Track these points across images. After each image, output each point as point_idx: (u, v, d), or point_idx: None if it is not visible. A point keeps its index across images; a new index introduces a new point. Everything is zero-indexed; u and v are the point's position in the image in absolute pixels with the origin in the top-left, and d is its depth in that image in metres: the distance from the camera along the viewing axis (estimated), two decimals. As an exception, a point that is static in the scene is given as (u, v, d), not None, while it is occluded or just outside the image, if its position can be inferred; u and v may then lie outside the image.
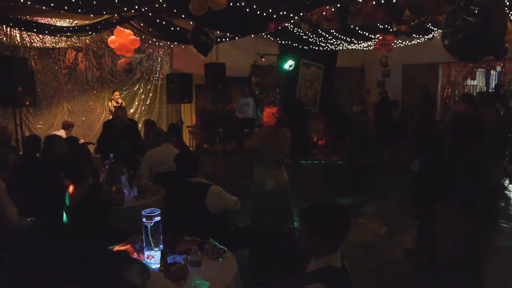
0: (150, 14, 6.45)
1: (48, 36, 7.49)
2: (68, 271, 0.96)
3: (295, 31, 8.13)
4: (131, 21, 7.04)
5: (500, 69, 10.19)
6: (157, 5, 5.49)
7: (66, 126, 6.98)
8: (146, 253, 2.44)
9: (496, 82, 10.86)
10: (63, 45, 7.81)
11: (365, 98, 9.26)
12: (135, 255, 2.53)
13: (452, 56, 3.49)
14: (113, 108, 8.26)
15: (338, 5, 6.29)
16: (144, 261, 2.42)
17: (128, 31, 7.44)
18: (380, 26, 7.76)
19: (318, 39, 9.08)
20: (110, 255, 1.17)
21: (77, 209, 3.07)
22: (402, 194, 6.39)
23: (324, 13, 6.74)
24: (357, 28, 7.65)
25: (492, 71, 10.77)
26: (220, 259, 2.48)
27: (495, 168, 5.98)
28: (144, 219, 2.40)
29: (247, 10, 5.46)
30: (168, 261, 2.32)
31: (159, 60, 9.40)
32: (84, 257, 1.01)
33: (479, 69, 10.93)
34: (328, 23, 6.96)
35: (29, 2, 5.18)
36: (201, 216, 3.00)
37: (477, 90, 10.72)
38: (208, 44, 5.81)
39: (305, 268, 1.89)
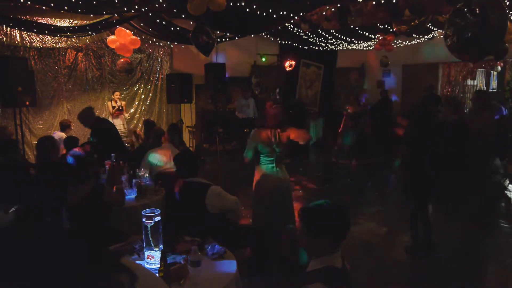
0: (150, 14, 6.45)
1: (48, 36, 7.48)
2: (59, 271, 0.96)
3: (295, 31, 8.13)
4: (131, 21, 7.04)
5: (501, 69, 10.17)
6: (157, 5, 5.49)
7: (64, 127, 6.95)
8: (146, 253, 2.44)
9: (496, 82, 10.86)
10: (63, 45, 7.80)
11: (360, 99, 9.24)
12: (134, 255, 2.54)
13: (454, 56, 3.50)
14: (111, 109, 8.23)
15: (338, 5, 6.29)
16: (142, 262, 2.43)
17: (128, 31, 7.44)
18: (380, 26, 7.77)
19: (318, 39, 9.08)
20: (102, 258, 1.17)
21: (78, 210, 3.07)
22: (401, 193, 6.39)
23: (324, 13, 6.75)
24: (357, 28, 7.65)
25: (492, 71, 10.76)
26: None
27: (494, 168, 6.00)
28: (144, 219, 2.40)
29: (247, 10, 5.46)
30: (168, 261, 2.32)
31: (159, 60, 9.39)
32: (77, 258, 1.01)
33: (479, 69, 10.92)
34: (328, 23, 6.96)
35: (29, 2, 5.18)
36: (201, 216, 3.00)
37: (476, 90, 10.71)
38: (210, 44, 5.81)
39: (305, 268, 1.89)
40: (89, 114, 5.45)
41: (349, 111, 8.51)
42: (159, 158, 4.54)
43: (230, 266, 2.43)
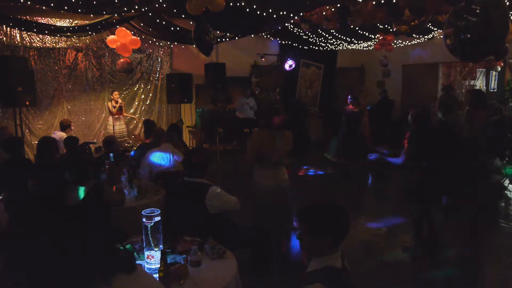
0: (150, 14, 6.45)
1: (48, 36, 7.47)
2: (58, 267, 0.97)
3: (295, 31, 8.13)
4: (131, 21, 7.04)
5: (500, 69, 10.17)
6: (157, 5, 5.49)
7: (64, 126, 6.95)
8: (146, 253, 2.44)
9: (496, 82, 10.86)
10: (63, 45, 7.80)
11: (359, 98, 9.24)
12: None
13: (454, 56, 3.49)
14: (112, 109, 8.23)
15: (338, 5, 6.28)
16: (142, 262, 2.42)
17: (128, 31, 7.43)
18: (380, 26, 7.77)
19: (318, 39, 9.08)
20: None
21: (78, 210, 3.06)
22: (402, 194, 6.39)
23: (324, 13, 6.74)
24: (357, 28, 7.65)
25: (492, 71, 10.75)
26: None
27: (493, 168, 6.00)
28: (144, 219, 2.40)
29: (247, 10, 5.46)
30: (168, 261, 2.31)
31: (159, 60, 9.39)
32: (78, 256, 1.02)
33: (479, 69, 10.92)
34: (328, 23, 6.96)
35: (29, 2, 5.18)
36: (201, 216, 3.00)
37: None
38: (211, 44, 5.81)
39: (305, 268, 1.89)
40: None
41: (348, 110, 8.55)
42: (159, 158, 4.54)
43: (230, 266, 2.43)
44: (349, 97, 8.87)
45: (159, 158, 4.54)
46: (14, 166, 3.84)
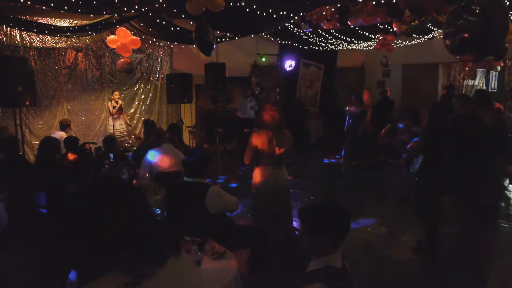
0: (150, 14, 6.45)
1: (48, 36, 7.47)
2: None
3: (295, 31, 8.13)
4: (131, 21, 7.04)
5: (500, 69, 10.17)
6: (157, 5, 5.49)
7: (64, 126, 6.95)
8: (146, 253, 2.43)
9: (496, 82, 10.86)
10: (63, 45, 7.80)
11: (363, 98, 9.23)
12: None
13: (454, 56, 3.49)
14: (112, 109, 8.23)
15: (338, 5, 6.29)
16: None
17: (128, 31, 7.43)
18: (380, 26, 7.77)
19: (318, 39, 9.08)
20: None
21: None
22: (402, 194, 6.39)
23: (324, 13, 6.75)
24: (357, 28, 7.65)
25: (492, 71, 10.76)
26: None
27: (495, 168, 5.97)
28: (144, 219, 2.40)
29: (247, 10, 5.46)
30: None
31: (159, 60, 9.39)
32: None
33: (479, 69, 10.92)
34: (328, 23, 6.96)
35: (29, 2, 5.18)
36: (201, 216, 3.00)
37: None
38: (212, 44, 5.81)
39: (305, 268, 1.89)
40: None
41: (351, 110, 8.54)
42: (158, 158, 4.54)
43: (230, 266, 2.42)
44: (353, 97, 8.85)
45: (159, 158, 4.54)
46: (10, 165, 3.85)
